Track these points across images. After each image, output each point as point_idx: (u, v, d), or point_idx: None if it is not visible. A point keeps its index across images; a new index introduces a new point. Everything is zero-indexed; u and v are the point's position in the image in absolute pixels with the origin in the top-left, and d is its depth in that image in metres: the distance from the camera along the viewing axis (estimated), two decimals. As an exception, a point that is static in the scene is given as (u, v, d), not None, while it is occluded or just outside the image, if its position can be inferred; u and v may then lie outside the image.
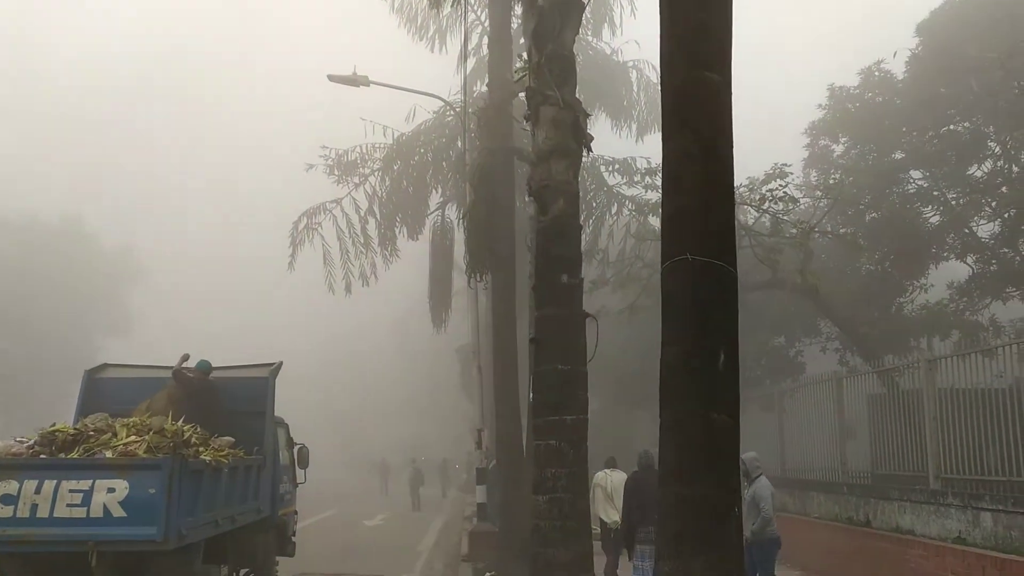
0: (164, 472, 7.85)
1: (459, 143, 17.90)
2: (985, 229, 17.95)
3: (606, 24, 21.27)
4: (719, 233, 4.65)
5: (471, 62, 19.64)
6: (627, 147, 20.84)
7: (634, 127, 21.36)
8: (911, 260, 18.17)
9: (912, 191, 18.45)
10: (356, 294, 21.98)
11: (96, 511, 7.79)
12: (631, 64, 21.72)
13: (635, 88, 21.47)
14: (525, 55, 9.33)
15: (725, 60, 4.78)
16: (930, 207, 18.49)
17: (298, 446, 12.91)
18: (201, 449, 9.04)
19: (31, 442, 8.66)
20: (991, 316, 17.97)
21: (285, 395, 15.72)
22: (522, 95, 9.90)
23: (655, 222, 17.90)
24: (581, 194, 19.97)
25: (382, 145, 20.16)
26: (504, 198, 14.79)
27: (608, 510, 11.43)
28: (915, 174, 18.53)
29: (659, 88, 5.22)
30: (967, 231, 17.98)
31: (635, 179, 19.27)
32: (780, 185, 16.05)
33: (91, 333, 44.46)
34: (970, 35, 16.46)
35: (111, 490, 7.85)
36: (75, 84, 72.48)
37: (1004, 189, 17.17)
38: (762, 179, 16.45)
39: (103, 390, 10.74)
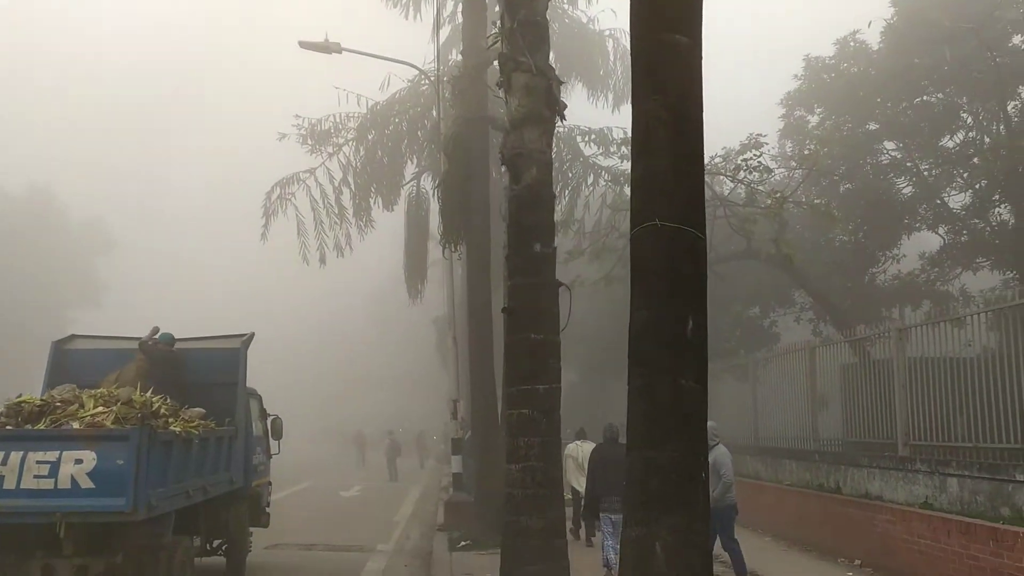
0: (132, 443, 7.76)
1: (434, 112, 17.71)
2: (956, 200, 18.12)
3: (582, -10, 21.08)
4: (688, 198, 4.61)
5: (446, 30, 19.44)
6: (603, 117, 20.73)
7: (610, 97, 21.24)
8: (884, 231, 18.30)
9: (886, 162, 18.55)
10: (331, 265, 21.82)
11: (64, 482, 7.70)
12: (607, 33, 21.56)
13: (611, 57, 21.32)
14: (499, 22, 9.19)
15: (695, 22, 4.71)
16: (903, 178, 18.61)
17: (272, 417, 12.85)
18: (171, 420, 8.96)
19: (-4, 414, 8.54)
20: (962, 286, 18.20)
21: (259, 367, 15.63)
22: (497, 64, 9.77)
23: (631, 193, 17.85)
24: (557, 164, 19.98)
25: (356, 114, 19.93)
26: (479, 168, 14.68)
27: (580, 479, 11.75)
28: (889, 145, 18.63)
29: (634, 54, 5.13)
30: (939, 202, 18.12)
31: (611, 149, 19.19)
32: (755, 155, 16.05)
33: (61, 305, 43.96)
34: (945, 5, 16.47)
35: (79, 461, 7.75)
36: (41, 53, 71.04)
37: (976, 160, 17.28)
38: (737, 149, 16.44)
39: (71, 361, 10.60)
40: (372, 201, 20.29)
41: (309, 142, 19.82)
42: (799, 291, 19.86)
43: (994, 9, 15.91)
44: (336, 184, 20.21)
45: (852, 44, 18.65)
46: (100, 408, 8.64)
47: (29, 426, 8.33)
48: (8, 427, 8.31)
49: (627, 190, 18.95)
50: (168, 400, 9.34)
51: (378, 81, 19.85)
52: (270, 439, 12.81)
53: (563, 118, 8.98)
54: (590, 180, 19.98)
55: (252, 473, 11.47)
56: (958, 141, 17.84)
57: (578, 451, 12.15)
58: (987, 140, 17.33)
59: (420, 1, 20.56)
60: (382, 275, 41.35)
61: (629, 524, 4.37)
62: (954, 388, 10.92)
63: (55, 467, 7.74)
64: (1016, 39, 16.53)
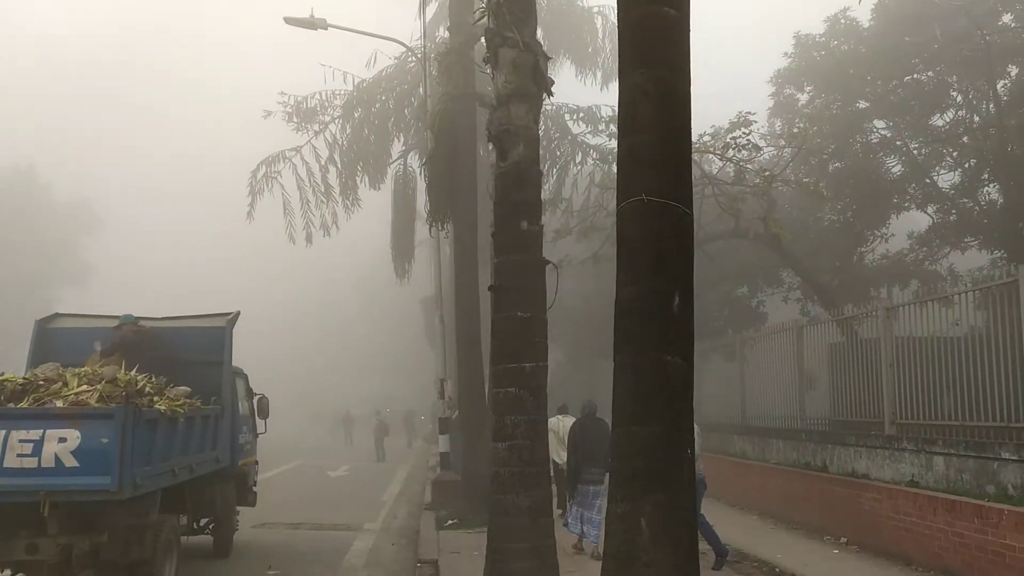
0: (117, 421, 7.70)
1: (421, 90, 17.54)
2: (945, 179, 18.12)
3: (571, -33, 20.88)
4: (675, 173, 4.55)
5: (432, 6, 19.23)
6: (592, 95, 20.61)
7: (599, 75, 21.08)
8: (873, 210, 18.28)
9: (875, 141, 18.52)
10: (318, 245, 21.69)
11: (47, 461, 7.64)
12: (596, 10, 21.38)
13: (600, 35, 21.14)
14: (486, -4, 9.06)
15: (683, -6, 4.63)
16: (892, 157, 18.58)
17: (258, 396, 12.81)
18: (156, 399, 8.89)
19: (-22, 393, 8.44)
20: (950, 266, 18.24)
21: (246, 346, 15.54)
22: (484, 39, 9.65)
23: (619, 171, 17.77)
24: (544, 143, 19.89)
25: (342, 92, 19.74)
26: (466, 145, 14.57)
27: (560, 452, 12.08)
28: (879, 123, 18.59)
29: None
30: (928, 181, 18.11)
31: (599, 128, 19.08)
32: (744, 133, 15.98)
33: (47, 284, 43.68)
34: (935, -18, 16.41)
35: (62, 440, 7.70)
36: (27, 32, 70.13)
37: (965, 139, 17.27)
38: (727, 128, 16.36)
39: (54, 340, 10.53)
40: (359, 179, 20.13)
41: (295, 120, 19.64)
42: (787, 270, 19.86)
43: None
44: (322, 162, 20.05)
45: (842, 22, 18.57)
46: (84, 387, 8.56)
47: (12, 404, 8.24)
48: (-10, 406, 8.22)
49: (615, 168, 18.81)
50: (153, 379, 9.27)
51: (364, 58, 19.68)
52: (256, 418, 12.78)
53: (550, 94, 8.88)
54: (578, 158, 19.89)
55: (238, 452, 11.44)
56: (948, 120, 17.83)
57: (559, 425, 12.36)
58: (977, 119, 17.33)
59: (407, -24, 20.33)
60: (369, 255, 41.22)
61: (615, 500, 4.34)
62: (941, 367, 10.94)
63: (38, 446, 7.68)
64: (1006, 17, 16.49)
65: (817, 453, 13.94)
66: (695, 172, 17.25)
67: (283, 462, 25.50)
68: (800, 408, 15.13)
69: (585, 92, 21.05)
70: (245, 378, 12.44)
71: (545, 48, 9.21)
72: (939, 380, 10.97)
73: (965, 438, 10.27)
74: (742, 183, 16.76)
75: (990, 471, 9.63)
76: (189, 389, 9.68)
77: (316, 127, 19.81)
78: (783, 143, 17.78)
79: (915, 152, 18.09)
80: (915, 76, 17.40)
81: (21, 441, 7.68)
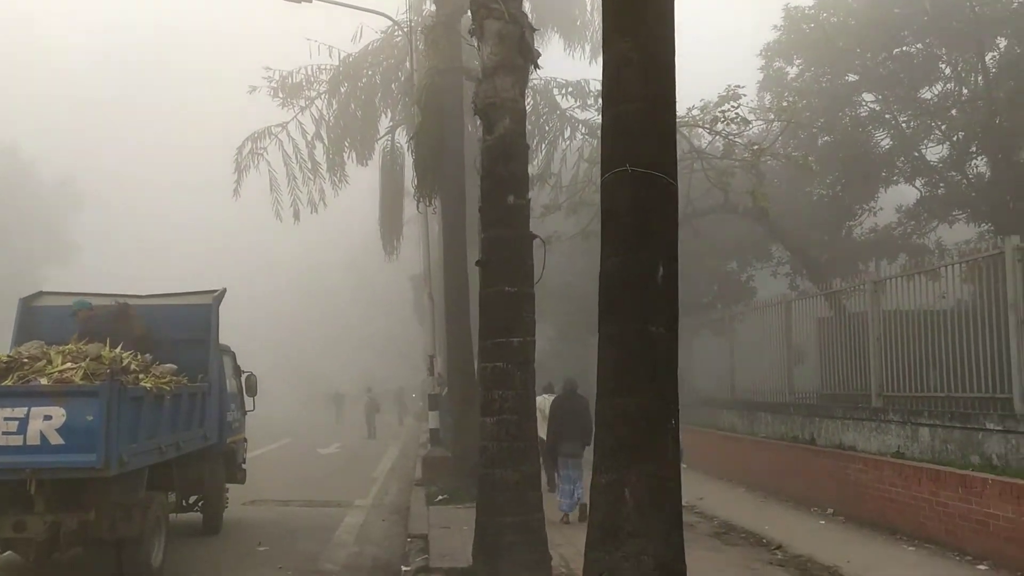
0: (102, 398, 7.66)
1: (407, 64, 17.38)
2: (934, 152, 18.07)
3: (560, -63, 20.61)
4: (659, 143, 4.51)
5: (419, -22, 18.99)
6: (580, 69, 20.44)
7: (587, 48, 20.86)
8: (861, 184, 18.26)
9: (864, 114, 18.45)
10: (306, 222, 21.56)
11: (33, 439, 7.61)
12: (585, -19, 21.15)
13: (588, 7, 20.89)
14: (471, -34, 8.93)
15: (668, -37, 4.56)
16: (882, 130, 18.53)
17: (246, 374, 12.77)
18: (141, 376, 8.85)
19: (-38, 371, 8.38)
20: (938, 239, 18.25)
21: (234, 325, 15.48)
22: (469, 11, 9.54)
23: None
24: (533, 117, 19.78)
25: (328, 67, 19.52)
26: (453, 120, 14.46)
27: (544, 428, 12.11)
28: (868, 97, 18.50)
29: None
30: (916, 154, 18.07)
31: (588, 102, 18.95)
32: (732, 107, 15.90)
33: (33, 263, 43.39)
34: (925, -47, 16.29)
35: (48, 417, 7.66)
36: (9, 11, 69.09)
37: (954, 112, 17.24)
38: (716, 101, 16.28)
39: (38, 318, 10.45)
40: (346, 156, 19.97)
41: (280, 95, 19.43)
42: (776, 245, 19.86)
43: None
44: (309, 139, 19.87)
45: (832, -7, 18.44)
46: (68, 364, 8.53)
47: (-3, 382, 8.19)
48: (-26, 385, 8.16)
49: (604, 142, 18.69)
50: (139, 356, 9.23)
51: (350, 33, 19.44)
52: (244, 396, 12.74)
53: (537, 67, 8.81)
54: (567, 133, 19.78)
55: (227, 429, 11.42)
56: (937, 92, 17.75)
57: (545, 403, 12.45)
58: (965, 92, 17.27)
59: (393, -49, 20.07)
60: (358, 232, 41.00)
61: (599, 471, 4.34)
62: (927, 340, 10.99)
63: (23, 423, 7.64)
64: (996, -12, 16.38)
65: (805, 426, 14.02)
66: (684, 146, 17.22)
67: (273, 440, 25.50)
68: (788, 382, 15.21)
69: (574, 66, 20.89)
70: (232, 356, 12.39)
71: (532, 20, 9.13)
72: (925, 353, 11.03)
73: (950, 409, 10.34)
74: (731, 157, 16.71)
75: (975, 441, 9.70)
76: (175, 367, 9.64)
77: (302, 103, 19.62)
78: (772, 117, 17.68)
79: (904, 125, 18.03)
80: (904, 48, 17.30)
81: (6, 419, 7.64)
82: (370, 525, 12.32)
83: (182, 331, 10.51)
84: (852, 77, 18.13)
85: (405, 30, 17.69)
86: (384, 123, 20.39)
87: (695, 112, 16.41)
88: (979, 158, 16.91)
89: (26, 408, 7.69)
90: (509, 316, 8.17)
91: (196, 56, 76.82)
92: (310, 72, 19.46)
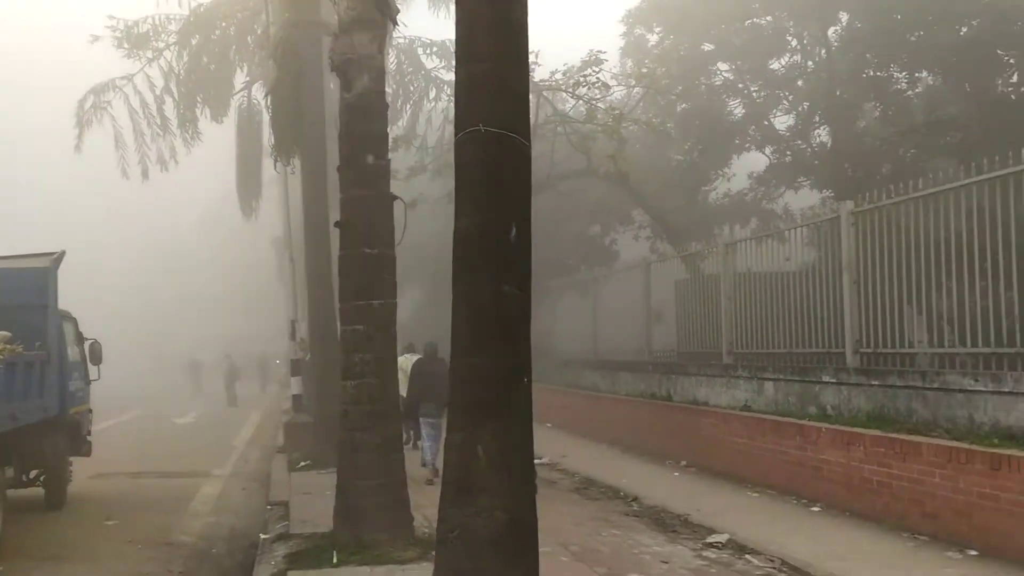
0: (-81, 369, 7.07)
1: (264, 16, 16.61)
2: (782, 122, 18.95)
3: None
4: (512, 103, 4.50)
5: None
6: (447, 29, 20.16)
7: (452, 8, 20.60)
8: (716, 150, 18.97)
9: (719, 83, 19.10)
10: (160, 182, 20.42)
11: None
12: (450, -61, 20.82)
13: (453, -34, 20.63)
14: (327, -85, 8.60)
15: (520, -82, 4.51)
16: (735, 99, 19.25)
17: (90, 341, 12.08)
18: (-32, 344, 8.22)
19: None
20: (785, 204, 19.22)
21: (78, 290, 14.54)
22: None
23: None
24: (397, 77, 19.43)
25: (178, 16, 18.41)
26: (312, 76, 13.96)
27: (405, 387, 12.22)
28: (722, 66, 19.16)
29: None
30: (766, 123, 18.91)
31: (453, 63, 18.70)
32: (594, 72, 16.12)
33: None
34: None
35: None
36: None
37: (800, 83, 18.10)
38: (578, 66, 16.45)
39: None
40: (199, 112, 18.92)
41: (125, 46, 18.17)
42: (637, 209, 20.41)
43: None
44: (158, 92, 18.74)
45: (691, -38, 18.87)
46: None
47: None
48: None
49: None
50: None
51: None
52: (88, 365, 12.06)
53: (395, 23, 8.63)
54: (432, 94, 19.55)
55: (69, 400, 10.82)
56: (784, 64, 18.57)
57: (407, 363, 12.48)
58: (810, 64, 18.14)
59: None
60: (216, 192, 39.24)
61: (452, 429, 4.36)
62: (774, 299, 11.61)
63: None
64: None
65: (662, 384, 14.59)
66: (547, 110, 17.37)
67: (124, 411, 24.33)
68: (648, 342, 15.76)
69: (439, 26, 20.57)
70: (74, 322, 11.69)
71: (394, -23, 8.88)
72: (772, 312, 11.66)
73: (792, 364, 10.99)
74: (593, 122, 16.97)
75: (812, 393, 10.36)
76: (9, 334, 9.01)
77: (149, 54, 18.42)
78: (633, 83, 18.06)
79: (755, 95, 18.81)
80: (755, 21, 17.98)
81: None
82: (228, 495, 11.99)
83: (16, 296, 9.83)
84: (708, 46, 18.71)
85: (261, -21, 16.88)
86: (240, 78, 19.49)
87: (558, 76, 16.54)
88: (822, 128, 17.85)
89: None
90: (369, 279, 8.04)
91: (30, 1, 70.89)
92: (158, 22, 18.29)
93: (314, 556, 7.43)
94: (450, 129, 18.48)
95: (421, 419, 11.46)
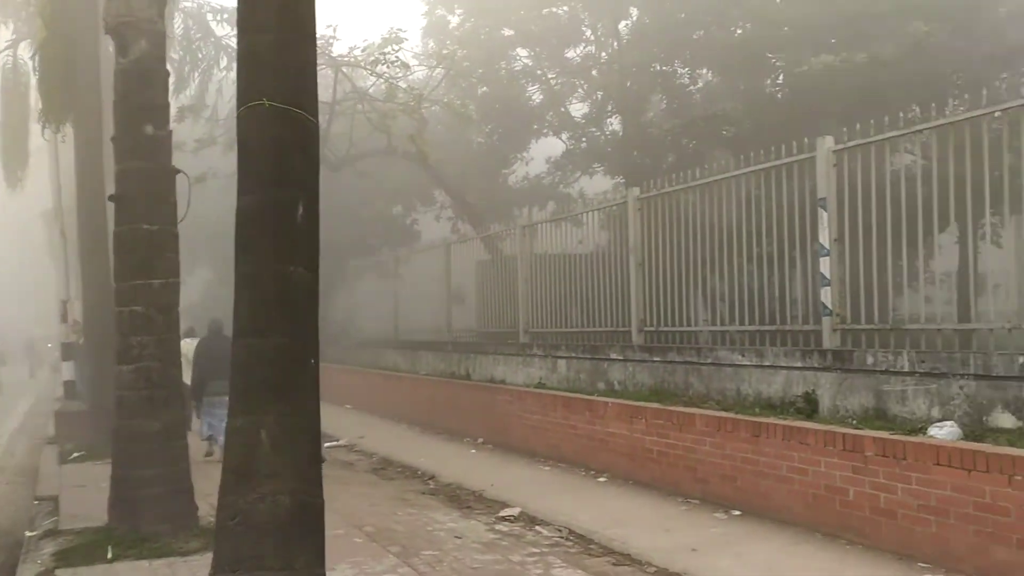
0: None
1: (31, -32, 15.11)
2: (577, 109, 19.63)
3: None
4: (299, 78, 4.35)
5: None
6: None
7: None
8: (516, 134, 19.38)
9: (518, 68, 19.48)
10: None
11: None
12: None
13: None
14: None
15: None
16: (534, 85, 19.72)
17: None
18: None
19: None
20: (580, 189, 19.98)
21: None
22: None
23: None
24: (184, 43, 18.32)
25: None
26: (86, 37, 12.81)
27: (188, 374, 11.74)
28: (522, 52, 19.55)
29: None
30: (563, 110, 19.52)
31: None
32: (394, 50, 15.96)
33: None
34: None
35: None
36: None
37: (594, 73, 18.81)
38: (379, 43, 16.22)
39: None
40: (-46, 69, 17.02)
41: None
42: (439, 190, 20.50)
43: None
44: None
45: (492, -53, 19.05)
46: None
47: None
48: None
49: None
50: None
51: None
52: None
53: (179, -15, 8.08)
54: (223, 63, 18.57)
55: None
56: (579, 53, 19.22)
57: (188, 348, 11.97)
58: (604, 55, 18.89)
59: None
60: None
61: (235, 413, 4.19)
62: (569, 280, 12.08)
63: None
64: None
65: (462, 363, 14.81)
66: (346, 86, 17.01)
67: None
68: (448, 321, 15.93)
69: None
70: None
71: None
72: (567, 292, 12.13)
73: (584, 343, 11.50)
74: (394, 101, 16.82)
75: (601, 370, 10.91)
76: None
77: None
78: (434, 63, 18.05)
79: (552, 82, 19.36)
80: (552, 9, 18.45)
81: None
82: (-12, 492, 10.92)
83: None
84: (508, 32, 19.01)
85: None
86: (5, 34, 17.63)
87: (358, 53, 16.23)
88: (614, 117, 18.66)
89: None
90: (149, 256, 7.56)
91: None
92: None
93: (86, 552, 6.92)
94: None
95: (206, 398, 11.13)
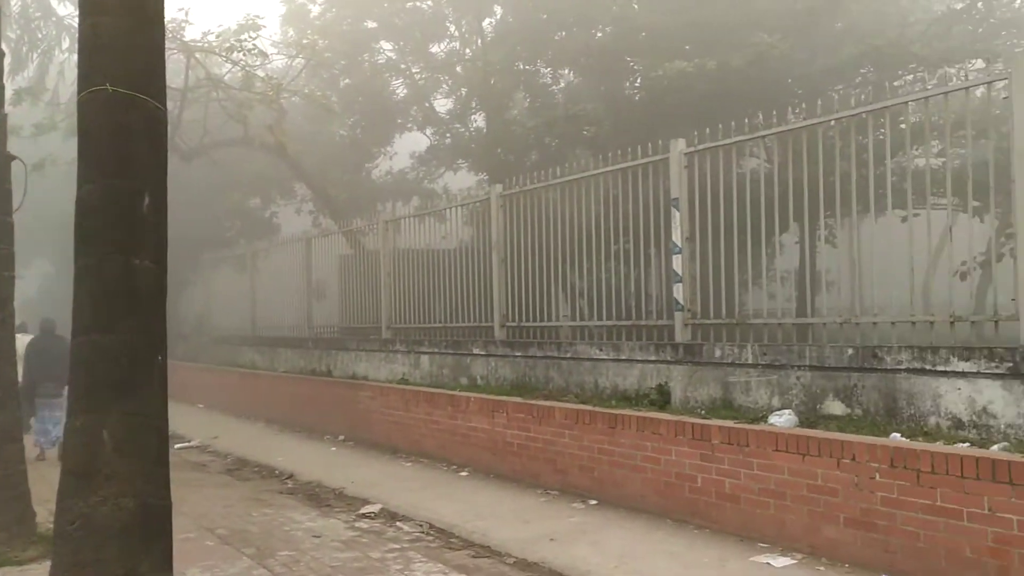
0: None
1: None
2: (442, 105, 19.64)
3: None
4: (145, 63, 4.14)
5: None
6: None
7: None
8: (379, 128, 19.17)
9: (382, 61, 19.29)
10: None
11: None
12: None
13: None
14: None
15: None
16: (398, 79, 19.58)
17: None
18: None
19: None
20: (445, 185, 20.00)
21: None
22: None
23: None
24: (22, 22, 17.11)
25: None
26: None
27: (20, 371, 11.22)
28: (386, 45, 19.36)
29: None
30: (428, 105, 19.47)
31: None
32: (251, 37, 15.45)
33: None
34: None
35: None
36: None
37: (459, 69, 18.85)
38: (235, 29, 15.66)
39: None
40: None
41: None
42: (300, 183, 20.02)
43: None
44: None
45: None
46: None
47: None
48: None
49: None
50: None
51: None
52: None
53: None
54: (66, 44, 17.46)
55: None
56: (444, 49, 19.23)
57: (20, 344, 11.31)
58: (468, 52, 18.97)
59: None
60: None
61: (74, 413, 3.96)
62: (432, 276, 12.07)
63: None
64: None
65: (323, 359, 14.55)
66: (200, 73, 16.34)
67: None
68: (308, 317, 15.60)
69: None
70: None
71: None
72: (430, 288, 12.12)
73: (447, 338, 11.54)
74: (251, 90, 16.29)
75: (464, 365, 10.97)
76: None
77: None
78: (295, 53, 17.60)
79: (417, 76, 19.27)
80: (416, 3, 18.38)
81: None
82: None
83: None
84: (371, 24, 18.77)
85: None
86: None
87: (212, 38, 15.63)
88: (479, 113, 18.78)
89: None
90: (-22, 248, 7.03)
91: None
92: None
93: (-94, 569, 6.38)
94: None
95: (38, 400, 10.76)
